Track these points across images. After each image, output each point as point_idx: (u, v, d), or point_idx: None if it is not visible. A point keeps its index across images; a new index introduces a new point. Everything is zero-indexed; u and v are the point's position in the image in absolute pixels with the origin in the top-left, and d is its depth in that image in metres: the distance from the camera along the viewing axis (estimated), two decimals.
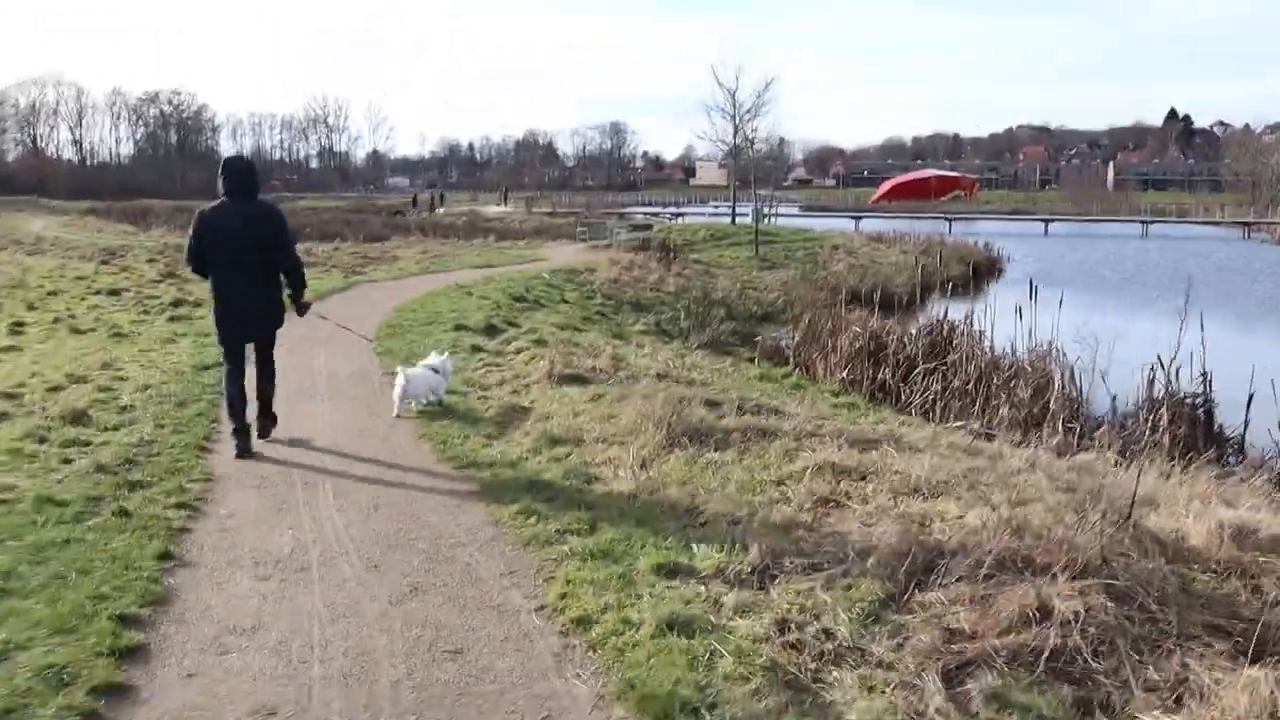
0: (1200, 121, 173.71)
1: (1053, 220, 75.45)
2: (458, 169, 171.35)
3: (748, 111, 45.06)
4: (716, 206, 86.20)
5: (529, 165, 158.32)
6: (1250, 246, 57.60)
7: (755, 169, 50.57)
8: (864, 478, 6.85)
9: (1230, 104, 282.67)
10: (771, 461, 7.24)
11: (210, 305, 7.80)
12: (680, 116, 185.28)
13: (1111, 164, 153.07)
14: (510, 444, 7.99)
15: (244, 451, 7.61)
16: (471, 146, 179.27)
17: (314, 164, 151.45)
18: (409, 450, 7.83)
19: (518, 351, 12.62)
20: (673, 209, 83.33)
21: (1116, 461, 9.04)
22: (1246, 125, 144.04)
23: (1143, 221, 73.13)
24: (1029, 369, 12.22)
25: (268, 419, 8.13)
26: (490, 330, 14.33)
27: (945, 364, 13.79)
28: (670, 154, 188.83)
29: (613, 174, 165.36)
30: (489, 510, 6.25)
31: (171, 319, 14.97)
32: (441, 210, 66.67)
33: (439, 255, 29.40)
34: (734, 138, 45.33)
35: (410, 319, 15.17)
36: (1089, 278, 34.91)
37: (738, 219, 48.56)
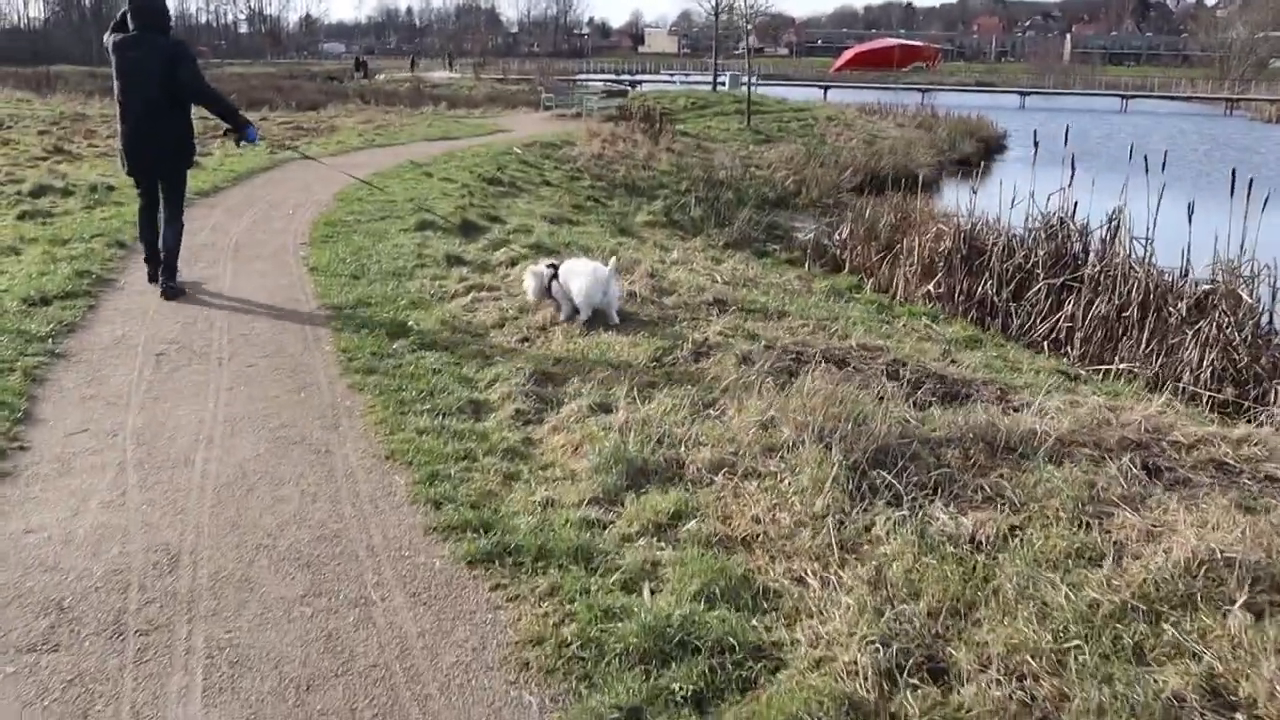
0: None
1: (1029, 93, 71.60)
2: (396, 35, 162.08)
3: None
4: (672, 74, 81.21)
5: (472, 30, 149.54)
6: (1239, 124, 54.39)
7: (730, 32, 45.52)
8: None
9: None
10: (1081, 541, 3.73)
11: (116, 136, 7.69)
12: None
13: (1068, 36, 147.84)
14: (554, 473, 4.41)
15: (155, 278, 7.57)
16: (410, 11, 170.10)
17: (243, 29, 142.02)
18: (366, 488, 4.19)
19: (512, 263, 8.92)
20: (628, 77, 77.84)
21: None
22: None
23: (1121, 96, 69.89)
24: (1239, 295, 8.60)
25: (169, 277, 7.48)
26: (467, 229, 10.53)
27: (1079, 280, 10.30)
28: (617, 21, 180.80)
29: (558, 40, 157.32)
30: None
31: (23, 215, 10.69)
32: (381, 77, 60.44)
33: (384, 125, 24.95)
34: None
35: (355, 212, 11.31)
36: (1109, 158, 31.14)
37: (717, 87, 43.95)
